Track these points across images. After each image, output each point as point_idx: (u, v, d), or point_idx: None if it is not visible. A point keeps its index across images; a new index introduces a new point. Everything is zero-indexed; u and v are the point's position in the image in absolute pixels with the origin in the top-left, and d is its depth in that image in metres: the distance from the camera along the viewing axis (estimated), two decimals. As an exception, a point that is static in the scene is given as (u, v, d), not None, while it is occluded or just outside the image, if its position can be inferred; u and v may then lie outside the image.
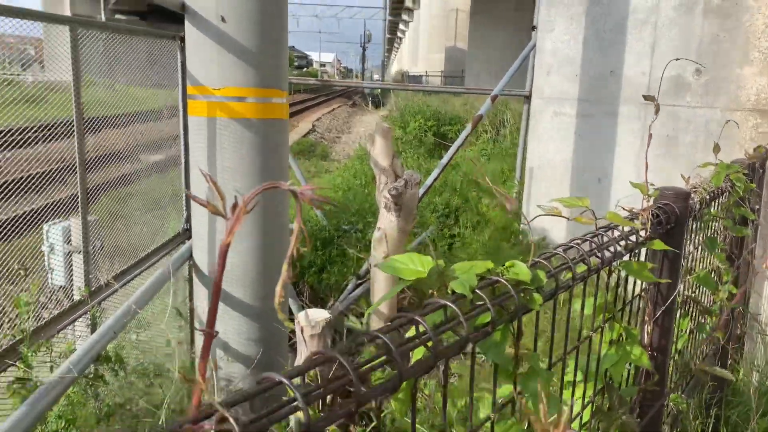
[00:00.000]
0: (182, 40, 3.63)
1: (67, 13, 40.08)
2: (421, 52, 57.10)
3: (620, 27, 4.71)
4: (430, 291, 0.97)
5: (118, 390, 2.43)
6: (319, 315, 3.05)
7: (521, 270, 0.99)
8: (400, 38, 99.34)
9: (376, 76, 49.60)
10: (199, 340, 3.30)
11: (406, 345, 0.77)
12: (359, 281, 5.06)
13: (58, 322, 2.53)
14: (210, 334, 0.56)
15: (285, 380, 0.63)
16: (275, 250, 3.21)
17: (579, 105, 5.18)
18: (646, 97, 1.62)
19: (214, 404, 0.58)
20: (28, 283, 3.76)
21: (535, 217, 1.03)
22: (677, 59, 4.00)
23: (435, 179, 5.79)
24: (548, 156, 5.57)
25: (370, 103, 31.64)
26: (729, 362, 3.27)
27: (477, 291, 0.92)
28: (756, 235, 3.08)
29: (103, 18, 39.21)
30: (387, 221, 4.47)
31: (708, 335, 2.14)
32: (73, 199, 3.70)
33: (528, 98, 6.36)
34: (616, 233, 1.40)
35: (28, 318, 2.40)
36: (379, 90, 35.58)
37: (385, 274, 4.39)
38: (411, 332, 0.87)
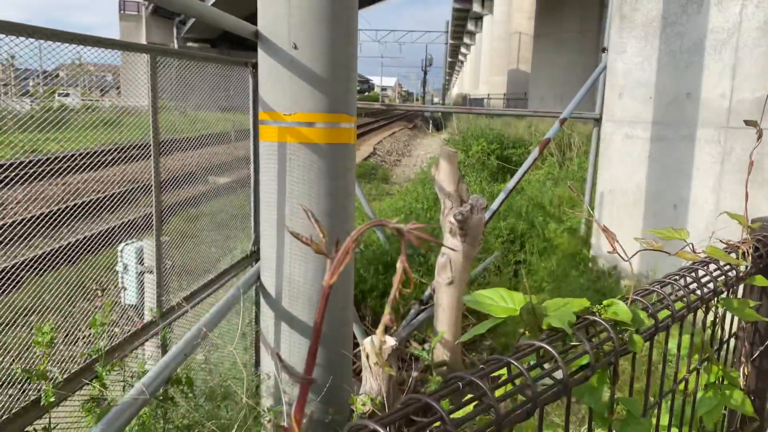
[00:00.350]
0: (254, 66, 3.72)
1: (144, 40, 42.24)
2: (482, 74, 57.03)
3: (697, 48, 4.52)
4: (521, 330, 0.91)
5: (187, 412, 2.45)
6: (386, 342, 3.02)
7: (621, 309, 0.92)
8: (462, 61, 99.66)
9: (436, 99, 49.82)
10: (265, 361, 3.32)
11: (505, 393, 0.71)
12: (422, 306, 4.99)
13: (130, 342, 2.58)
14: (308, 381, 0.52)
15: (380, 429, 0.59)
16: (341, 273, 3.20)
17: (653, 128, 4.99)
18: (747, 122, 1.52)
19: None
20: (103, 301, 3.89)
21: (636, 253, 0.95)
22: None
23: (501, 204, 5.68)
24: (620, 181, 5.38)
25: (431, 125, 31.71)
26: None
27: (577, 334, 0.85)
28: None
29: (176, 45, 41.02)
30: (452, 246, 4.41)
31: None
32: (145, 219, 3.83)
33: (598, 121, 6.20)
34: (713, 267, 1.30)
35: (103, 337, 2.47)
36: (440, 113, 35.64)
37: (449, 301, 4.32)
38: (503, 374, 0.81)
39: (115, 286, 3.95)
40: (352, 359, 3.65)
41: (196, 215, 4.17)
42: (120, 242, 4.14)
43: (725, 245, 1.39)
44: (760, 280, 1.37)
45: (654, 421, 1.14)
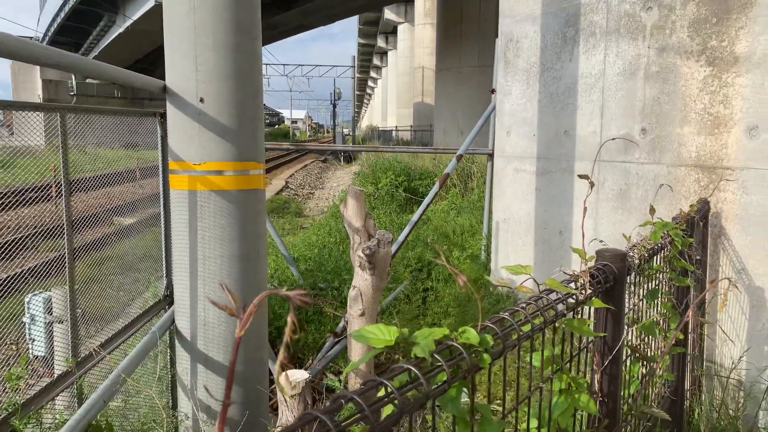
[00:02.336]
0: (162, 116, 3.85)
1: (38, 76, 39.94)
2: (390, 107, 58.54)
3: (571, 91, 5.08)
4: (397, 356, 1.15)
5: (107, 458, 2.51)
6: (299, 375, 3.18)
7: (471, 335, 1.18)
8: (369, 94, 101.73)
9: (346, 131, 50.54)
10: (182, 403, 3.39)
11: (376, 404, 0.95)
12: (336, 339, 5.18)
13: (47, 393, 2.62)
14: (226, 406, 0.74)
15: (281, 436, 0.81)
16: (254, 319, 3.36)
17: (538, 162, 5.51)
18: (581, 176, 1.86)
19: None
20: (16, 354, 3.82)
21: (527, 279, 1.23)
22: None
23: (407, 236, 6.01)
24: (512, 210, 5.86)
25: (342, 158, 32.16)
26: (687, 403, 3.47)
27: (435, 355, 1.11)
28: (699, 284, 3.33)
29: (74, 82, 39.15)
30: (362, 279, 4.65)
31: (646, 378, 2.34)
32: (48, 266, 3.79)
33: (491, 156, 6.70)
34: (559, 295, 1.61)
35: (18, 391, 2.50)
36: (352, 144, 36.21)
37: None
38: (382, 392, 1.05)
39: (21, 338, 3.89)
40: (268, 395, 3.78)
41: (105, 259, 4.18)
42: (23, 291, 4.08)
43: (569, 275, 1.72)
44: (596, 303, 1.70)
45: (513, 422, 1.41)
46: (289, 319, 0.77)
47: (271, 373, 4.44)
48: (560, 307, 1.59)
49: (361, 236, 4.75)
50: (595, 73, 4.86)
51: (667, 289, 2.81)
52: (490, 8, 21.89)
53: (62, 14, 35.63)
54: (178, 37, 3.18)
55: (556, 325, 1.59)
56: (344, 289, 6.17)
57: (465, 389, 1.20)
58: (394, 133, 42.97)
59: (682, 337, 2.74)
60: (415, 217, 6.06)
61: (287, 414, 3.01)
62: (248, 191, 3.32)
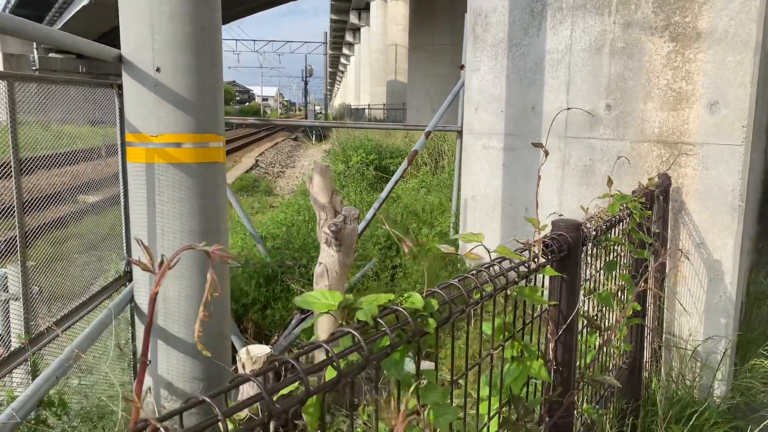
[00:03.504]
0: (120, 87, 3.74)
1: (-1, 52, 38.58)
2: (363, 85, 58.08)
3: (538, 67, 5.08)
4: (340, 322, 1.14)
5: (61, 434, 2.47)
6: (261, 351, 3.16)
7: (416, 299, 1.17)
8: (342, 72, 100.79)
9: (318, 108, 50.06)
10: (146, 380, 3.35)
11: (312, 366, 0.93)
12: (303, 316, 5.17)
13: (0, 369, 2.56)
14: (144, 363, 0.71)
15: (207, 399, 0.79)
16: (217, 287, 3.32)
17: (505, 139, 5.51)
18: (534, 144, 1.85)
19: (149, 419, 0.73)
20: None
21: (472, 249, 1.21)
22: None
23: (375, 213, 5.99)
24: (480, 188, 5.87)
25: (313, 136, 31.89)
26: (645, 374, 3.55)
27: (377, 319, 1.09)
28: (656, 256, 3.38)
29: (36, 55, 37.93)
30: (328, 256, 4.63)
31: (602, 349, 2.38)
32: (7, 244, 3.69)
33: (460, 133, 6.69)
34: (512, 263, 1.61)
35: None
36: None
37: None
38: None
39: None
40: (230, 371, 3.75)
41: (65, 237, 4.08)
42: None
43: (522, 244, 1.71)
44: (549, 271, 1.71)
45: (464, 389, 1.41)
46: (208, 276, 0.74)
47: (235, 349, 4.41)
48: (513, 275, 1.58)
49: (327, 213, 4.71)
50: (562, 49, 4.85)
51: (626, 261, 2.84)
52: (462, -15, 21.75)
53: (22, -15, 34.41)
54: (133, 4, 3.08)
55: (508, 292, 1.58)
56: (311, 267, 6.13)
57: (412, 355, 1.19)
58: (366, 111, 42.73)
59: (639, 308, 2.79)
60: (383, 194, 6.04)
61: (247, 389, 2.98)
62: (207, 164, 3.25)
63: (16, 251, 3.63)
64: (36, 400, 2.21)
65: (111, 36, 39.70)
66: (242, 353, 3.00)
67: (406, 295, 1.19)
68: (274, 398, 0.90)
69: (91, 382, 3.32)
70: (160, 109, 3.08)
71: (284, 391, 0.95)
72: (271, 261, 6.34)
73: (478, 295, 1.40)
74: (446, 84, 21.86)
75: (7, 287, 3.81)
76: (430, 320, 1.18)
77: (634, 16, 4.25)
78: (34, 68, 38.19)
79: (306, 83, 45.09)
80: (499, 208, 5.60)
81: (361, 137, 13.11)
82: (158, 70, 3.03)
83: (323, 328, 4.53)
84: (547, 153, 1.77)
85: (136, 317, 3.39)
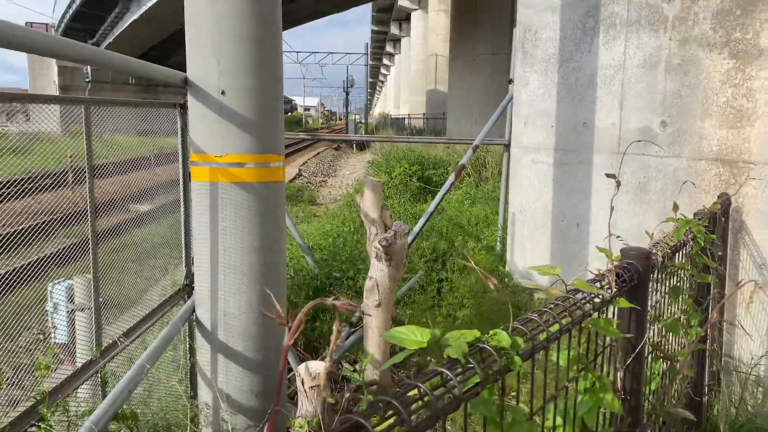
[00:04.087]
0: (182, 106, 3.87)
1: (54, 66, 40.08)
2: (403, 94, 58.31)
3: (590, 82, 5.04)
4: (429, 358, 1.17)
5: (132, 446, 2.57)
6: (318, 367, 3.22)
7: (502, 337, 1.19)
8: (382, 82, 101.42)
9: (358, 117, 50.43)
10: (203, 392, 3.44)
11: (413, 408, 0.97)
12: (352, 329, 5.22)
13: (72, 381, 2.67)
14: (275, 412, 0.76)
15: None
16: (273, 304, 3.40)
17: (555, 154, 5.48)
18: (608, 175, 1.85)
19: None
20: (43, 342, 3.88)
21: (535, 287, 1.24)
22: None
23: (422, 227, 6.02)
24: (529, 202, 5.84)
25: (354, 146, 32.13)
26: (705, 399, 3.47)
27: (469, 359, 1.12)
28: (720, 281, 3.31)
29: (89, 69, 39.19)
30: (378, 270, 4.68)
31: (672, 375, 2.35)
32: (68, 252, 3.83)
33: (508, 147, 6.68)
34: (585, 295, 1.62)
35: (45, 379, 2.55)
36: (364, 132, 36.17)
37: (377, 323, 4.57)
38: (414, 392, 1.07)
39: (44, 325, 3.95)
40: (287, 385, 3.83)
41: (123, 246, 4.21)
42: (44, 278, 4.12)
43: (594, 274, 1.72)
44: (622, 302, 1.71)
45: (539, 421, 1.42)
46: (334, 328, 0.78)
47: (287, 362, 4.49)
48: (587, 307, 1.59)
49: (377, 227, 4.77)
50: (615, 65, 4.81)
51: (687, 285, 2.80)
52: (505, -4, 21.69)
53: (77, 1, 35.73)
54: (199, 29, 3.19)
55: (582, 325, 1.59)
56: (359, 279, 6.20)
57: (495, 391, 1.21)
58: (406, 120, 42.85)
59: (702, 333, 2.74)
60: (430, 207, 6.06)
61: (306, 404, 3.04)
62: (268, 183, 3.34)
63: (78, 261, 3.77)
64: (111, 414, 2.31)
65: (159, 48, 40.86)
66: (301, 369, 3.05)
67: (491, 332, 1.21)
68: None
69: (157, 394, 3.43)
70: (224, 130, 3.18)
71: (380, 428, 0.99)
72: (319, 273, 6.42)
73: (556, 328, 1.42)
74: (487, 94, 21.82)
75: (73, 298, 3.97)
76: (516, 358, 1.20)
77: (692, 32, 4.19)
78: (87, 80, 39.54)
79: (347, 93, 45.52)
80: (548, 223, 5.56)
81: (404, 148, 13.18)
82: (223, 93, 3.13)
83: (373, 343, 4.58)
84: (619, 183, 1.77)
85: (196, 331, 3.49)
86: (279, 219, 3.46)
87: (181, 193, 3.94)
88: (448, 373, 1.05)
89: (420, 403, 1.03)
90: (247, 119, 3.20)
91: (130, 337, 3.24)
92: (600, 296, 1.63)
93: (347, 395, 3.39)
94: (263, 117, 3.26)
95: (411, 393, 1.06)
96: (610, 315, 1.86)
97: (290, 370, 4.21)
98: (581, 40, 5.16)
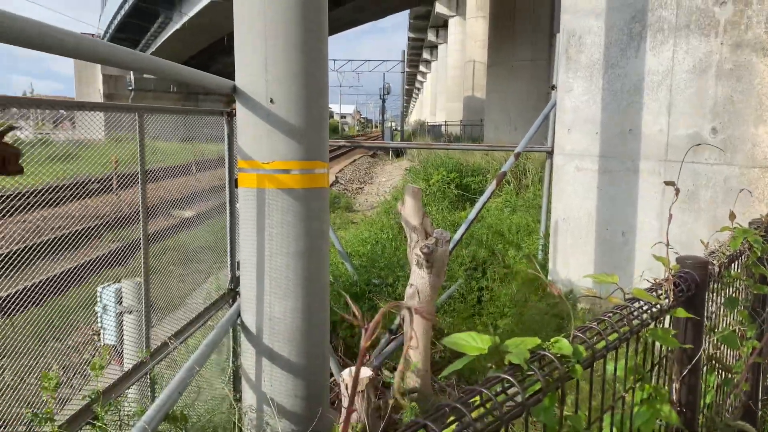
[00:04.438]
0: (229, 114, 3.94)
1: (99, 72, 41.25)
2: (439, 101, 58.22)
3: (636, 88, 4.95)
4: (489, 365, 1.16)
5: (181, 447, 2.62)
6: (362, 373, 3.23)
7: (564, 345, 1.18)
8: (419, 89, 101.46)
9: (393, 125, 50.56)
10: (247, 395, 3.49)
11: (481, 417, 0.96)
12: (392, 336, 5.22)
13: (124, 382, 2.74)
14: (350, 410, 0.76)
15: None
16: (317, 309, 3.42)
17: (600, 161, 5.39)
18: (667, 183, 1.82)
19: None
20: (85, 339, 3.99)
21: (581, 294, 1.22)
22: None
23: (462, 234, 5.98)
24: (572, 210, 5.76)
25: (391, 153, 32.21)
26: (760, 413, 3.35)
27: (531, 366, 1.11)
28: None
29: (132, 77, 40.27)
30: (419, 277, 4.67)
31: (730, 389, 2.28)
32: (115, 256, 3.92)
33: (550, 154, 6.60)
34: (641, 304, 1.59)
35: (97, 379, 2.62)
36: (400, 139, 36.22)
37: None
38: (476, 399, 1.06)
39: (92, 327, 4.06)
40: (329, 390, 3.84)
41: (168, 250, 4.30)
42: (92, 281, 4.23)
43: (651, 283, 1.68)
44: (680, 312, 1.67)
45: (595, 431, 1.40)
46: (412, 331, 0.78)
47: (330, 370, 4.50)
48: (645, 316, 1.56)
49: (418, 234, 4.76)
50: (663, 71, 4.72)
51: (743, 296, 2.71)
52: (544, 1, 21.50)
53: (122, 12, 36.82)
54: (248, 39, 3.25)
55: (640, 334, 1.56)
56: (398, 286, 6.19)
57: (555, 400, 1.20)
58: (443, 128, 42.76)
59: (760, 346, 2.65)
60: (471, 215, 6.03)
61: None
62: (313, 189, 3.37)
63: (125, 263, 3.86)
64: (163, 414, 2.35)
65: (200, 57, 41.77)
66: (345, 374, 3.06)
67: (553, 340, 1.20)
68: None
69: (202, 396, 3.49)
70: (272, 138, 3.23)
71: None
72: (359, 279, 6.45)
73: (614, 337, 1.39)
74: (526, 101, 21.62)
75: (121, 300, 4.07)
76: (578, 366, 1.18)
77: (744, 36, 4.09)
78: (130, 88, 40.64)
79: (383, 101, 45.69)
80: (592, 232, 5.47)
81: (442, 155, 13.14)
82: (271, 101, 3.18)
83: (413, 350, 4.56)
84: (678, 191, 1.74)
85: (241, 335, 3.54)
86: (323, 225, 3.49)
87: (227, 199, 4.01)
88: (511, 380, 1.05)
89: (483, 409, 1.02)
90: (293, 127, 3.24)
91: (178, 340, 3.30)
92: (658, 305, 1.60)
93: (390, 401, 3.39)
94: (309, 124, 3.30)
95: (473, 400, 1.06)
96: (666, 325, 1.82)
97: (331, 375, 4.24)
98: (627, 45, 5.07)
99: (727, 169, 4.22)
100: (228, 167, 3.99)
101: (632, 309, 1.53)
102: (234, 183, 4.00)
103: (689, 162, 4.48)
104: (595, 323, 1.36)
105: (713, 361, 2.25)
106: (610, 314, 1.43)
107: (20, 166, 1.66)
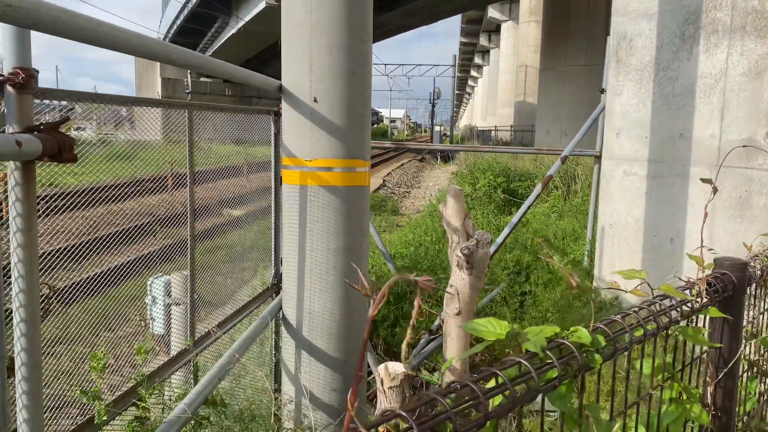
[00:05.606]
0: (276, 114, 4.05)
1: (158, 75, 42.67)
2: (490, 106, 57.76)
3: (688, 92, 4.83)
4: (507, 350, 1.18)
5: (220, 430, 2.71)
6: (398, 368, 3.26)
7: (583, 334, 1.19)
8: (469, 93, 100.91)
9: (442, 128, 50.42)
10: (286, 387, 3.57)
11: (491, 392, 0.99)
12: (432, 336, 5.23)
13: (168, 368, 2.86)
14: (359, 376, 0.80)
15: (403, 413, 0.87)
16: (356, 305, 3.48)
17: (649, 166, 5.28)
18: (703, 180, 1.79)
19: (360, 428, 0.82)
20: (135, 330, 4.17)
21: (637, 285, 1.23)
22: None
23: (506, 237, 5.95)
24: (620, 215, 5.65)
25: (438, 158, 32.15)
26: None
27: (546, 351, 1.13)
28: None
29: (190, 79, 41.50)
30: (459, 279, 4.67)
31: (765, 397, 2.21)
32: (166, 251, 4.08)
33: (598, 158, 6.49)
34: (673, 302, 1.57)
35: (145, 363, 2.74)
36: (449, 144, 36.12)
37: (457, 331, 4.56)
38: (490, 384, 1.09)
39: (143, 317, 4.23)
40: (366, 385, 3.90)
41: (217, 248, 4.45)
42: (144, 274, 4.41)
43: (684, 281, 1.66)
44: (713, 312, 1.64)
45: (616, 426, 1.40)
46: (415, 303, 0.82)
47: (368, 364, 4.56)
48: (674, 314, 1.55)
49: (459, 236, 4.77)
50: (716, 74, 4.59)
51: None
52: (599, 5, 21.10)
53: (182, 17, 38.01)
54: (294, 39, 3.35)
55: (669, 332, 1.55)
56: (440, 288, 6.19)
57: (574, 389, 1.21)
58: (493, 133, 42.40)
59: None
60: (515, 218, 5.99)
61: (385, 404, 3.09)
62: (354, 187, 3.43)
63: (175, 258, 4.02)
64: (202, 399, 2.45)
65: (254, 61, 42.70)
66: (381, 369, 3.10)
67: (572, 329, 1.21)
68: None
69: (240, 385, 3.59)
70: (315, 136, 3.31)
71: (457, 410, 1.01)
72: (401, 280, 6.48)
73: (640, 333, 1.39)
74: (579, 107, 21.21)
75: (170, 292, 4.23)
76: (597, 356, 1.19)
77: (803, 37, 3.94)
78: (187, 91, 41.88)
79: (433, 105, 45.65)
80: (640, 238, 5.36)
81: (489, 159, 13.06)
82: (315, 100, 3.26)
83: (452, 351, 4.57)
84: (715, 189, 1.71)
85: (282, 328, 3.63)
86: (363, 222, 3.55)
87: (272, 196, 4.12)
88: (526, 364, 1.07)
89: (500, 395, 1.05)
90: (335, 125, 3.32)
91: (222, 330, 3.42)
92: (689, 304, 1.58)
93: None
94: (351, 123, 3.36)
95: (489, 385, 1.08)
96: (700, 326, 1.79)
97: (369, 373, 4.29)
98: (679, 48, 4.96)
99: (783, 175, 4.08)
100: (274, 166, 4.10)
101: (663, 306, 1.52)
102: (279, 181, 4.11)
103: (742, 167, 4.34)
104: (619, 317, 1.36)
105: (755, 368, 2.19)
106: (636, 309, 1.43)
107: (74, 154, 1.77)
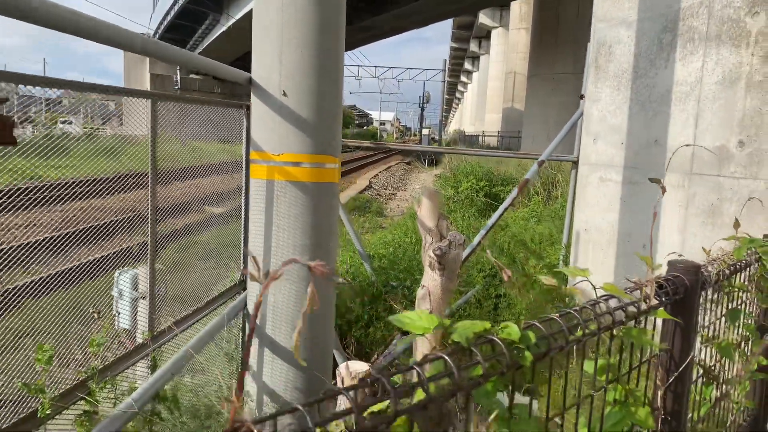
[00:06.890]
0: (248, 108, 4.00)
1: (147, 71, 42.44)
2: (479, 112, 57.94)
3: (664, 99, 4.84)
4: (433, 345, 1.15)
5: (172, 428, 2.65)
6: (360, 367, 3.22)
7: (513, 330, 1.16)
8: (459, 98, 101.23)
9: (425, 132, 50.46)
10: (250, 386, 3.52)
11: (402, 386, 0.95)
12: (404, 337, 5.20)
13: (123, 362, 2.79)
14: (243, 371, 0.76)
15: (300, 407, 0.83)
16: (323, 302, 3.44)
17: (625, 172, 5.28)
18: (652, 180, 1.77)
19: (245, 421, 0.78)
20: (97, 324, 4.09)
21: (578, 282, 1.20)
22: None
23: (481, 239, 5.93)
24: (595, 220, 5.65)
25: (425, 161, 32.20)
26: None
27: (473, 348, 1.09)
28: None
29: (178, 75, 41.32)
30: (431, 279, 4.64)
31: (720, 402, 2.20)
32: (141, 247, 4.02)
33: (576, 164, 6.50)
34: (619, 303, 1.54)
35: (98, 357, 2.68)
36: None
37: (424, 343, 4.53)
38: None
39: (110, 311, 4.15)
40: (332, 384, 3.85)
41: (190, 244, 4.39)
42: (116, 269, 4.34)
43: (633, 283, 1.64)
44: (661, 314, 1.62)
45: (548, 426, 1.37)
46: (309, 290, 0.78)
47: (336, 364, 4.51)
48: (621, 315, 1.52)
49: (433, 236, 4.73)
50: (692, 81, 4.60)
51: (751, 310, 2.62)
52: (587, 14, 21.25)
53: (172, 13, 37.81)
54: (265, 32, 3.30)
55: (614, 332, 1.52)
56: (415, 288, 6.16)
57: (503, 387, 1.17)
58: (480, 138, 42.55)
59: (765, 362, 2.55)
60: (490, 221, 5.97)
61: (344, 403, 3.05)
62: (323, 184, 3.39)
63: (146, 255, 3.95)
64: (152, 393, 2.39)
65: (246, 59, 42.56)
66: (342, 368, 3.06)
67: (502, 325, 1.18)
68: (365, 414, 0.93)
69: (202, 382, 3.53)
70: (283, 130, 3.27)
71: (375, 408, 0.97)
72: (377, 280, 6.45)
73: (581, 333, 1.36)
74: (566, 113, 21.29)
75: (137, 286, 4.16)
76: (527, 353, 1.16)
77: (776, 47, 3.96)
78: (176, 87, 41.64)
79: (422, 109, 45.71)
80: (614, 244, 5.36)
81: (473, 163, 13.07)
82: (284, 93, 3.22)
83: (421, 351, 4.53)
84: (664, 190, 1.68)
85: (246, 324, 3.57)
86: (331, 220, 3.51)
87: (243, 193, 4.07)
88: (447, 359, 1.03)
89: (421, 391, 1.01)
90: (305, 120, 3.27)
91: (183, 326, 3.36)
92: (636, 305, 1.55)
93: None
94: (321, 119, 3.33)
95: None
96: (650, 327, 1.76)
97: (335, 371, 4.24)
98: (657, 55, 4.97)
99: (753, 183, 4.09)
100: (245, 161, 4.05)
101: (607, 306, 1.49)
102: (249, 175, 4.06)
103: (714, 175, 4.35)
104: (558, 315, 1.33)
105: (709, 374, 2.17)
106: (578, 309, 1.40)
107: (13, 137, 1.72)
